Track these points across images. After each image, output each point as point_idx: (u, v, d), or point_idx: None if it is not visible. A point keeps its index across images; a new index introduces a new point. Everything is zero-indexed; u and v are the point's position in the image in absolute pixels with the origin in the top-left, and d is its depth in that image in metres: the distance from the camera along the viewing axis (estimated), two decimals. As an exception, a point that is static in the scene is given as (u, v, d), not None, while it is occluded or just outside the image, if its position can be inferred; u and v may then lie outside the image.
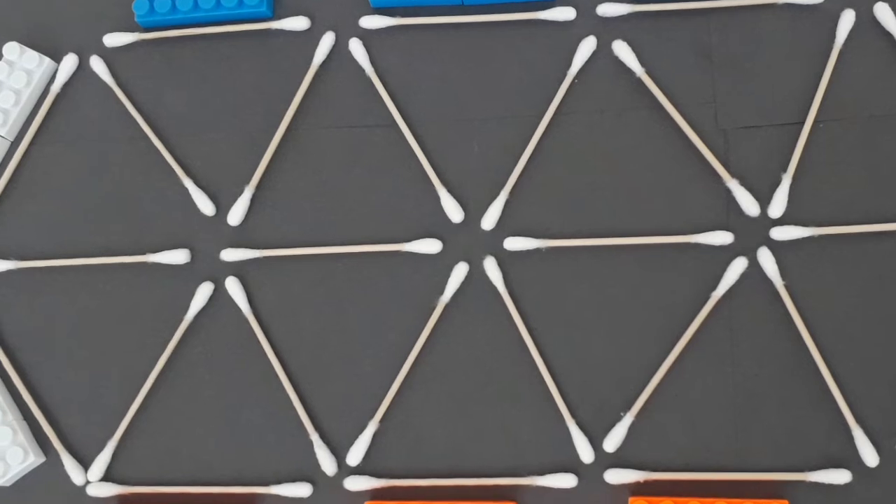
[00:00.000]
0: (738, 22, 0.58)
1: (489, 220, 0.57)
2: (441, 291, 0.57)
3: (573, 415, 0.55)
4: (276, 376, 0.57)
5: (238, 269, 0.59)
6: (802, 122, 0.56)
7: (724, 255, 0.55)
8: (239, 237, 0.60)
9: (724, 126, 0.57)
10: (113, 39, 0.62)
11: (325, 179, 0.59)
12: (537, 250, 0.56)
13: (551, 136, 0.57)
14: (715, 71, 0.57)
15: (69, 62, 0.62)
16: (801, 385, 0.54)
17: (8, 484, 0.57)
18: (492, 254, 0.57)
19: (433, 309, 0.56)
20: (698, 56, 0.57)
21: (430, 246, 0.57)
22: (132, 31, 0.62)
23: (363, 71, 0.60)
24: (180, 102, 0.61)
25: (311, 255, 0.58)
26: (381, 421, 0.56)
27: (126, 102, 0.61)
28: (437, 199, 0.58)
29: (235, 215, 0.59)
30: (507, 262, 0.57)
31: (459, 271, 0.57)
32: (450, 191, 0.58)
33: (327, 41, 0.60)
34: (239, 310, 0.58)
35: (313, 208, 0.59)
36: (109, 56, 0.62)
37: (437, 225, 0.58)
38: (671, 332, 0.55)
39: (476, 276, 0.57)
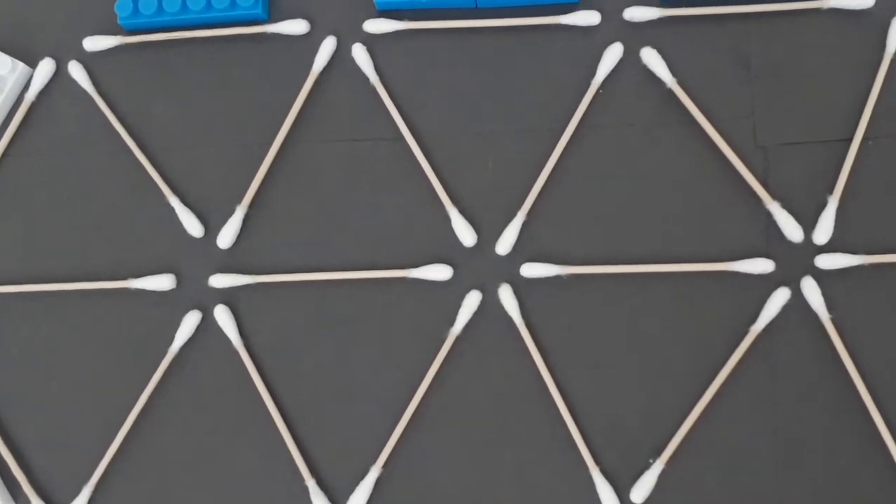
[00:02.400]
0: (779, 28, 0.56)
1: (504, 244, 0.55)
2: (451, 322, 0.55)
3: (597, 461, 0.53)
4: (269, 415, 0.55)
5: (228, 296, 0.57)
6: (850, 139, 0.54)
7: (764, 285, 0.53)
8: (229, 261, 0.58)
9: (764, 143, 0.55)
10: (93, 43, 0.60)
11: (325, 198, 0.57)
12: (557, 278, 0.54)
13: (573, 152, 0.56)
14: (753, 82, 0.55)
15: (45, 68, 0.61)
16: (848, 429, 0.52)
17: (-26, 532, 0.56)
18: (507, 281, 0.55)
19: (442, 342, 0.55)
20: (735, 65, 0.56)
21: (440, 272, 0.55)
22: (114, 34, 0.60)
23: (367, 79, 0.58)
24: (167, 113, 0.59)
25: (309, 282, 0.56)
26: (385, 466, 0.54)
27: (107, 112, 0.59)
28: (448, 220, 0.56)
29: (226, 237, 0.57)
30: (524, 290, 0.55)
31: (471, 300, 0.55)
32: (461, 211, 0.56)
33: (328, 46, 0.58)
34: (229, 341, 0.56)
35: (311, 230, 0.57)
36: (89, 61, 0.61)
37: (447, 249, 0.56)
38: (706, 369, 0.53)
39: (490, 306, 0.55)
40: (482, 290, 0.56)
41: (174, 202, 0.58)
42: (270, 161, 0.57)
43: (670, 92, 0.55)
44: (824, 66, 0.55)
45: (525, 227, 0.56)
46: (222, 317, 0.57)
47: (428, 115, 0.57)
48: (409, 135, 0.56)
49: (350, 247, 0.57)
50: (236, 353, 0.56)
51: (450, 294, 0.55)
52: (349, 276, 0.56)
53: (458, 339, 0.55)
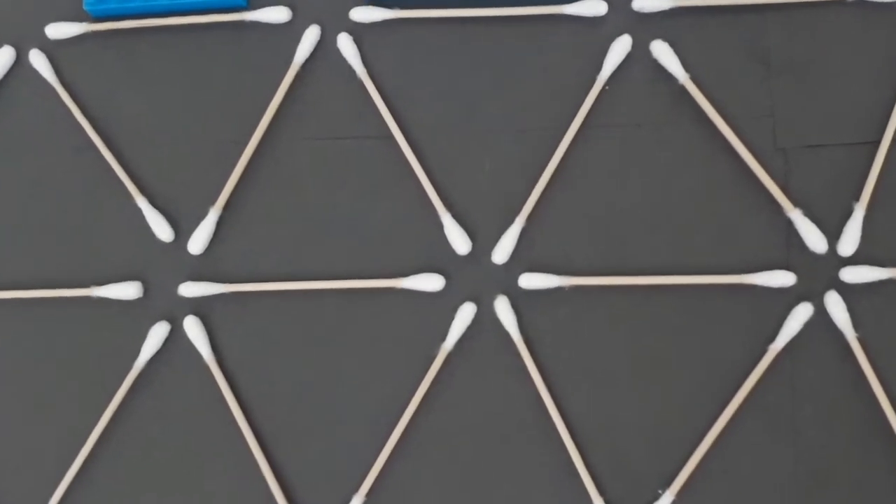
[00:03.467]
0: (800, 21, 0.55)
1: (501, 253, 0.55)
2: (443, 337, 0.54)
3: (601, 491, 0.52)
4: (243, 437, 0.54)
5: (199, 306, 0.57)
6: (878, 141, 0.53)
7: (784, 300, 0.53)
8: (201, 268, 0.57)
9: (784, 145, 0.54)
10: (57, 30, 0.59)
11: (306, 201, 0.57)
12: (559, 289, 0.54)
13: (577, 153, 0.55)
14: (773, 79, 0.55)
15: (5, 56, 0.59)
16: (876, 459, 0.51)
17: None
18: (504, 293, 0.55)
19: (433, 358, 0.54)
20: (753, 61, 0.55)
21: (431, 282, 0.55)
22: (80, 20, 0.59)
23: (353, 72, 0.57)
24: (135, 106, 0.59)
25: (288, 292, 0.55)
26: (368, 495, 0.53)
27: (71, 105, 0.58)
28: (440, 226, 0.55)
29: (198, 242, 0.56)
30: (523, 302, 0.54)
31: (465, 313, 0.54)
32: (455, 216, 0.55)
33: (311, 36, 0.58)
34: (199, 356, 0.56)
35: (291, 235, 0.57)
36: (52, 49, 0.59)
37: (439, 257, 0.55)
38: (720, 392, 0.52)
39: (485, 320, 0.54)
40: (477, 302, 0.55)
41: (142, 203, 0.57)
42: (247, 160, 0.57)
43: (682, 89, 0.55)
44: (849, 61, 0.55)
45: (524, 234, 0.55)
46: (193, 329, 0.56)
47: (419, 111, 0.57)
48: (398, 133, 0.56)
49: (333, 254, 0.56)
50: (207, 368, 0.56)
51: (441, 306, 0.55)
52: (332, 285, 0.55)
53: (449, 356, 0.54)
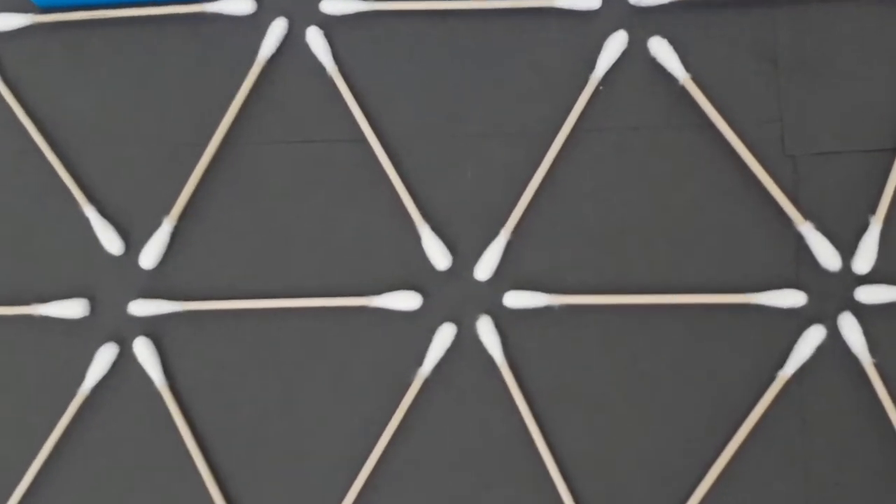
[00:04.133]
0: (811, 17, 0.54)
1: (485, 268, 0.54)
2: (419, 362, 0.53)
3: None
4: (198, 472, 0.53)
5: (151, 326, 0.56)
6: (895, 148, 0.53)
7: (794, 322, 0.52)
8: (154, 284, 0.56)
9: (793, 151, 0.53)
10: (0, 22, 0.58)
11: (271, 211, 0.56)
12: (547, 309, 0.53)
13: (568, 159, 0.55)
14: (781, 79, 0.54)
15: None
16: (893, 495, 0.51)
17: None
18: (487, 312, 0.54)
19: (408, 385, 0.53)
20: (760, 60, 0.54)
21: (407, 301, 0.54)
22: (24, 11, 0.58)
23: (323, 69, 0.56)
24: (84, 106, 0.58)
25: (249, 311, 0.55)
26: None
27: (13, 104, 0.57)
28: (417, 238, 0.54)
29: (150, 255, 0.56)
30: (508, 323, 0.54)
31: (444, 335, 0.54)
32: (433, 228, 0.54)
33: (277, 29, 0.57)
34: (150, 381, 0.55)
35: (253, 248, 0.56)
36: None
37: (415, 273, 0.55)
38: (725, 423, 0.52)
39: (466, 343, 0.54)
40: (457, 322, 0.54)
41: (89, 212, 0.56)
42: (206, 165, 0.56)
43: (683, 90, 0.54)
44: (865, 61, 0.54)
45: (509, 247, 0.54)
46: (143, 351, 0.55)
47: (395, 112, 0.56)
48: (372, 136, 0.55)
49: (299, 270, 0.56)
50: (159, 395, 0.55)
51: (418, 327, 0.54)
52: (297, 304, 0.55)
53: (426, 383, 0.54)
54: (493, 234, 0.54)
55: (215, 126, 0.56)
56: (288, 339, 0.55)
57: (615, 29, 0.55)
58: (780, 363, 0.51)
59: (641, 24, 0.55)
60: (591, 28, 0.55)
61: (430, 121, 0.56)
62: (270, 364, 0.55)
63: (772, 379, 0.51)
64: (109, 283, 0.56)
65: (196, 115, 0.57)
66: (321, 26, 0.57)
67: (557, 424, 0.52)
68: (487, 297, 0.54)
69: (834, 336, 0.51)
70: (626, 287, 0.53)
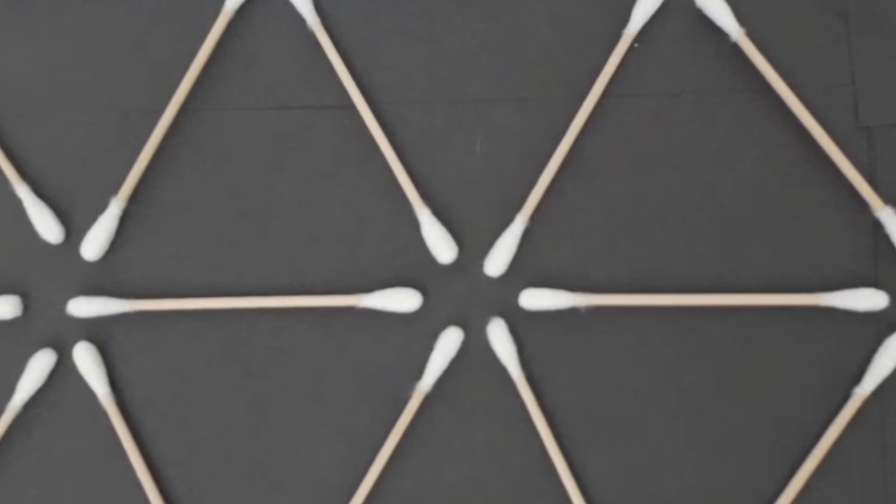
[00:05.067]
0: None
1: (496, 262, 0.50)
2: (419, 374, 0.50)
3: None
4: (148, 501, 0.50)
5: (94, 329, 0.53)
6: None
7: (872, 328, 0.49)
8: (98, 279, 0.53)
9: (869, 122, 0.50)
10: None
11: (240, 190, 0.52)
12: (571, 311, 0.50)
13: (596, 130, 0.51)
14: (852, 36, 0.50)
15: None
16: None
17: None
18: (500, 314, 0.51)
19: (406, 402, 0.50)
20: (827, 14, 0.51)
21: (404, 300, 0.50)
22: None
23: (303, 22, 0.53)
24: (20, 67, 0.54)
25: (211, 312, 0.51)
26: None
27: None
28: (416, 225, 0.51)
29: (94, 244, 0.51)
30: (524, 328, 0.51)
31: (448, 341, 0.50)
32: (435, 212, 0.51)
33: None
34: (93, 394, 0.51)
35: (218, 236, 0.52)
36: None
37: (415, 267, 0.51)
38: (789, 449, 0.48)
39: (474, 350, 0.50)
40: (464, 326, 0.51)
41: (22, 192, 0.52)
42: (161, 136, 0.52)
43: (735, 48, 0.50)
44: None
45: (526, 236, 0.51)
46: (85, 359, 0.52)
47: (389, 74, 0.53)
48: (361, 102, 0.51)
49: (273, 262, 0.52)
50: (104, 411, 0.51)
51: (418, 332, 0.51)
52: (270, 303, 0.51)
53: (427, 399, 0.50)
54: (507, 221, 0.50)
55: (173, 89, 0.52)
56: (259, 346, 0.51)
57: (654, -24, 0.49)
58: (857, 378, 0.48)
59: (686, -31, 0.49)
60: (625, -26, 0.49)
61: (431, 84, 0.52)
62: (237, 376, 0.51)
63: (847, 397, 0.48)
64: (46, 277, 0.53)
65: (150, 77, 0.53)
66: (300, -29, 0.50)
67: (583, 450, 0.49)
68: (500, 297, 0.51)
69: (921, 345, 0.45)
70: (665, 285, 0.50)
